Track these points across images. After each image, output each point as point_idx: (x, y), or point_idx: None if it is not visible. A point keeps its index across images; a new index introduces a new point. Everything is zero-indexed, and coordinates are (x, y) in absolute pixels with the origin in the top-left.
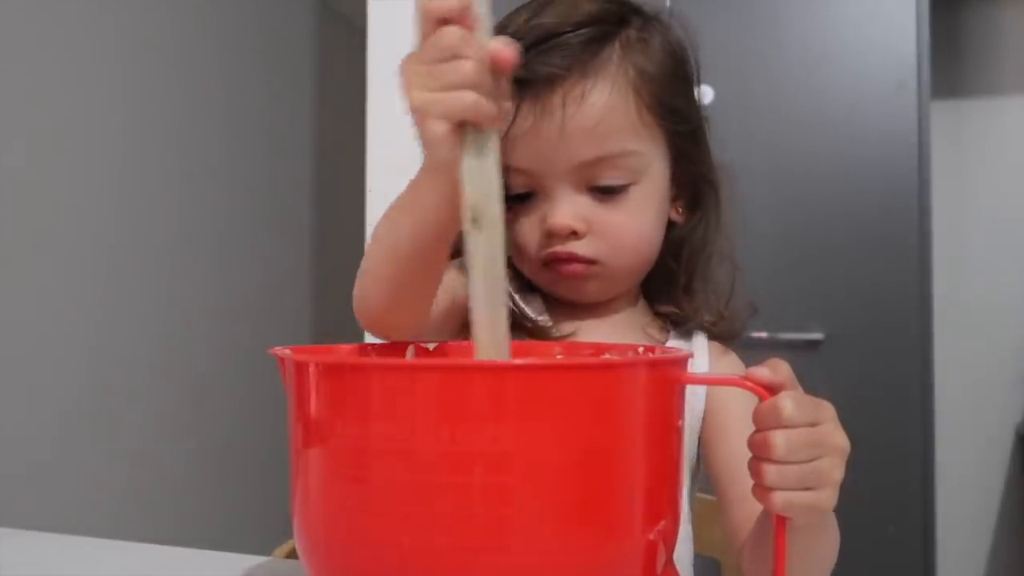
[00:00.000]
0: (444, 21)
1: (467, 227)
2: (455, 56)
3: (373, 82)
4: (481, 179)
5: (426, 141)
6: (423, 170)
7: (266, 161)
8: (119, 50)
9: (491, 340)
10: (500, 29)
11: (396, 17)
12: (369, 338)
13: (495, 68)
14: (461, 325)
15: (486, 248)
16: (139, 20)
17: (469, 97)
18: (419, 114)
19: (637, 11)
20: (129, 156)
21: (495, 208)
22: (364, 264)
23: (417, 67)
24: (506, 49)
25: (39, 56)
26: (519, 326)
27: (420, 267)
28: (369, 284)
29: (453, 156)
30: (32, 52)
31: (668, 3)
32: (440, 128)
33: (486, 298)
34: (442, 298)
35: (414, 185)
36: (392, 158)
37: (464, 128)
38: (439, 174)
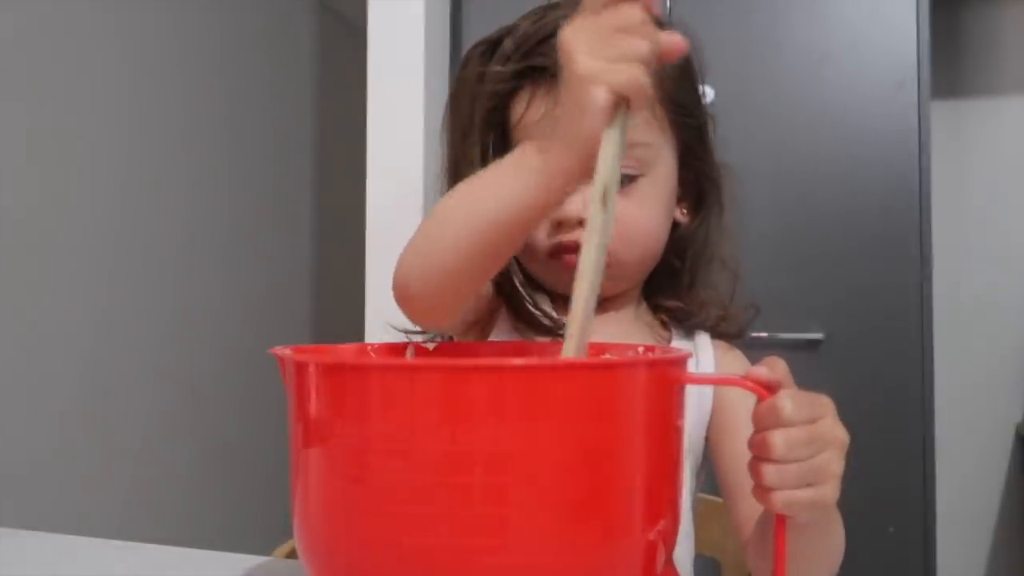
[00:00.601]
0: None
1: (595, 203)
2: (635, 34)
3: (373, 82)
4: (615, 160)
5: (584, 106)
6: (544, 147)
7: (266, 161)
8: (119, 50)
9: (584, 315)
10: (509, 29)
11: (396, 17)
12: (369, 338)
13: (664, 56)
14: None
15: (602, 228)
16: (139, 21)
17: (641, 73)
18: (586, 79)
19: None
20: (129, 156)
21: (615, 192)
22: (423, 241)
23: (589, 35)
24: (680, 40)
25: (39, 56)
26: (536, 325)
27: (497, 247)
28: (429, 262)
29: (600, 129)
30: (32, 53)
31: (669, 3)
32: (604, 97)
33: (592, 277)
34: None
35: (519, 161)
36: (392, 158)
37: (619, 105)
38: (566, 155)
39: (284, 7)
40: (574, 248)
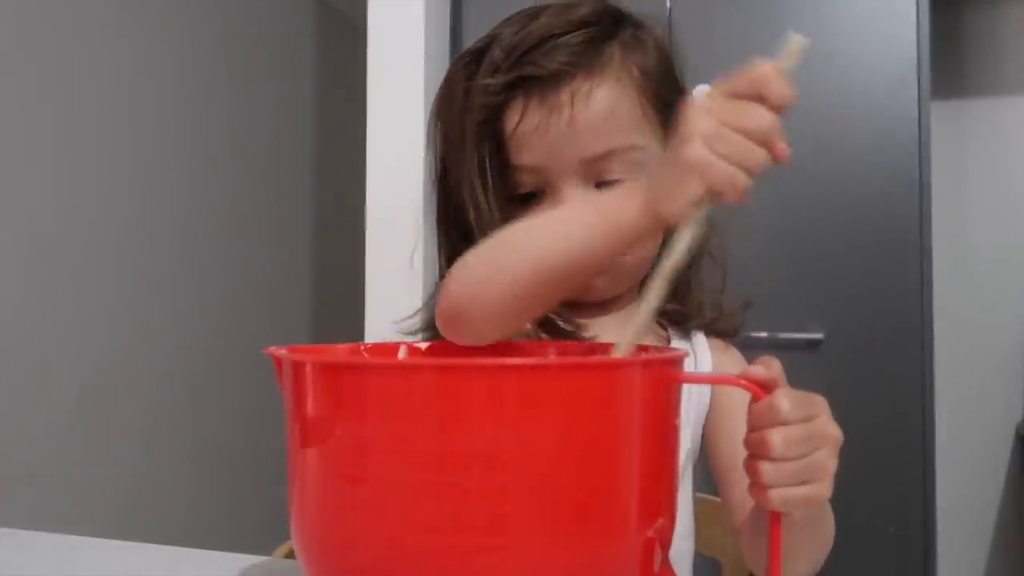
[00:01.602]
0: (762, 98)
1: (662, 279)
2: (760, 142)
3: (373, 82)
4: (689, 244)
5: (677, 193)
6: (634, 198)
7: (266, 161)
8: (118, 50)
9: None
10: (493, 37)
11: (396, 17)
12: (369, 338)
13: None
14: None
15: (659, 298)
16: (139, 21)
17: (746, 182)
18: (692, 168)
19: (627, 16)
20: (128, 156)
21: (678, 270)
22: (487, 268)
23: (715, 123)
24: (787, 149)
25: (39, 57)
26: (555, 330)
27: (562, 283)
28: (492, 290)
29: (685, 214)
30: (32, 53)
31: (669, 4)
32: (700, 191)
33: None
34: None
35: (604, 205)
36: (392, 158)
37: (711, 195)
38: (651, 216)
39: (284, 7)
40: None
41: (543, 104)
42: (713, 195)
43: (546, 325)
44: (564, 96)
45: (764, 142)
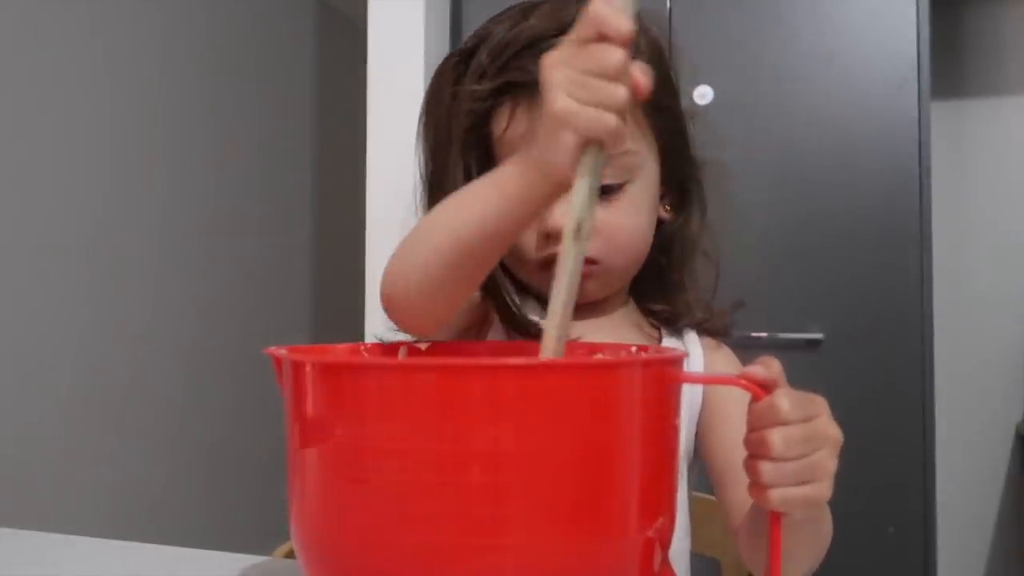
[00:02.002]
0: (605, 36)
1: (568, 237)
2: (614, 78)
3: (373, 82)
4: (589, 195)
5: (553, 147)
6: (523, 165)
7: (266, 161)
8: (118, 50)
9: (556, 346)
10: (482, 38)
11: (396, 17)
12: (369, 338)
13: (633, 94)
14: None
15: (575, 260)
16: (139, 21)
17: (614, 121)
18: (560, 120)
19: None
20: (128, 156)
21: (590, 224)
22: (408, 249)
23: (570, 72)
24: (646, 79)
25: (38, 57)
26: (524, 331)
27: (478, 257)
28: (413, 269)
29: (570, 167)
30: (31, 54)
31: (669, 4)
32: (573, 140)
33: (564, 307)
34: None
35: (501, 177)
36: (392, 158)
37: (589, 145)
38: (543, 177)
39: (284, 7)
40: None
41: (530, 110)
42: (591, 141)
43: (518, 326)
44: None
45: (618, 78)
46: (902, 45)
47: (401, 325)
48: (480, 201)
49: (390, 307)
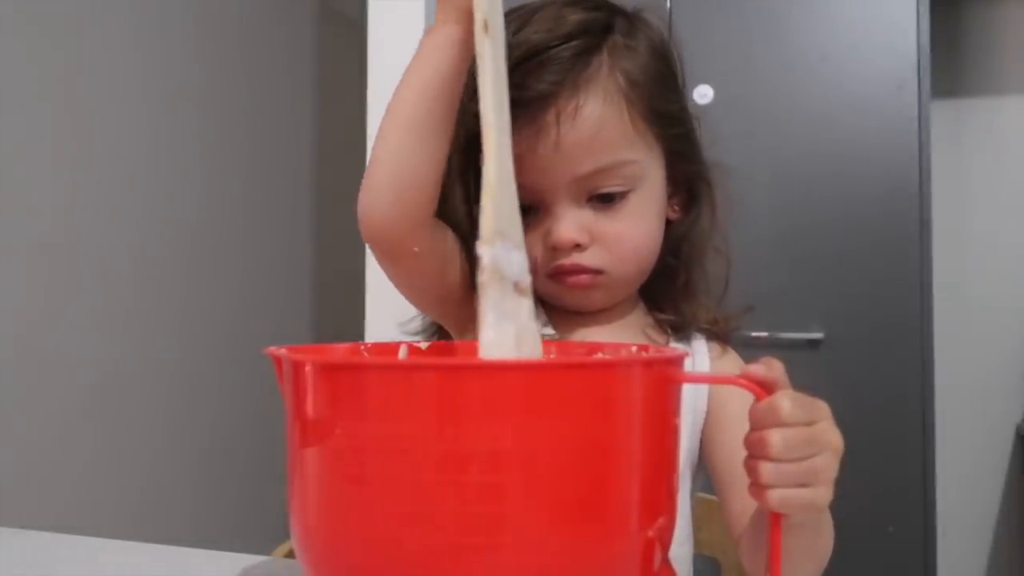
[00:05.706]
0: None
1: (479, 34)
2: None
3: (373, 82)
4: (493, 50)
5: None
6: (435, 25)
7: (266, 161)
8: (117, 50)
9: (498, 138)
10: None
11: (396, 17)
12: (369, 338)
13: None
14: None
15: (493, 53)
16: (138, 20)
17: None
18: None
19: (620, 12)
20: (127, 156)
21: (499, 19)
22: (371, 154)
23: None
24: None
25: (38, 57)
26: None
27: (430, 123)
28: (378, 169)
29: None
30: (31, 54)
31: (669, 4)
32: None
33: (495, 101)
34: (451, 270)
35: (423, 47)
36: None
37: None
38: (457, 19)
39: (284, 6)
40: (572, 270)
41: (530, 126)
42: None
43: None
44: (550, 116)
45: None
46: (902, 45)
47: (378, 236)
48: (412, 75)
49: (368, 221)
